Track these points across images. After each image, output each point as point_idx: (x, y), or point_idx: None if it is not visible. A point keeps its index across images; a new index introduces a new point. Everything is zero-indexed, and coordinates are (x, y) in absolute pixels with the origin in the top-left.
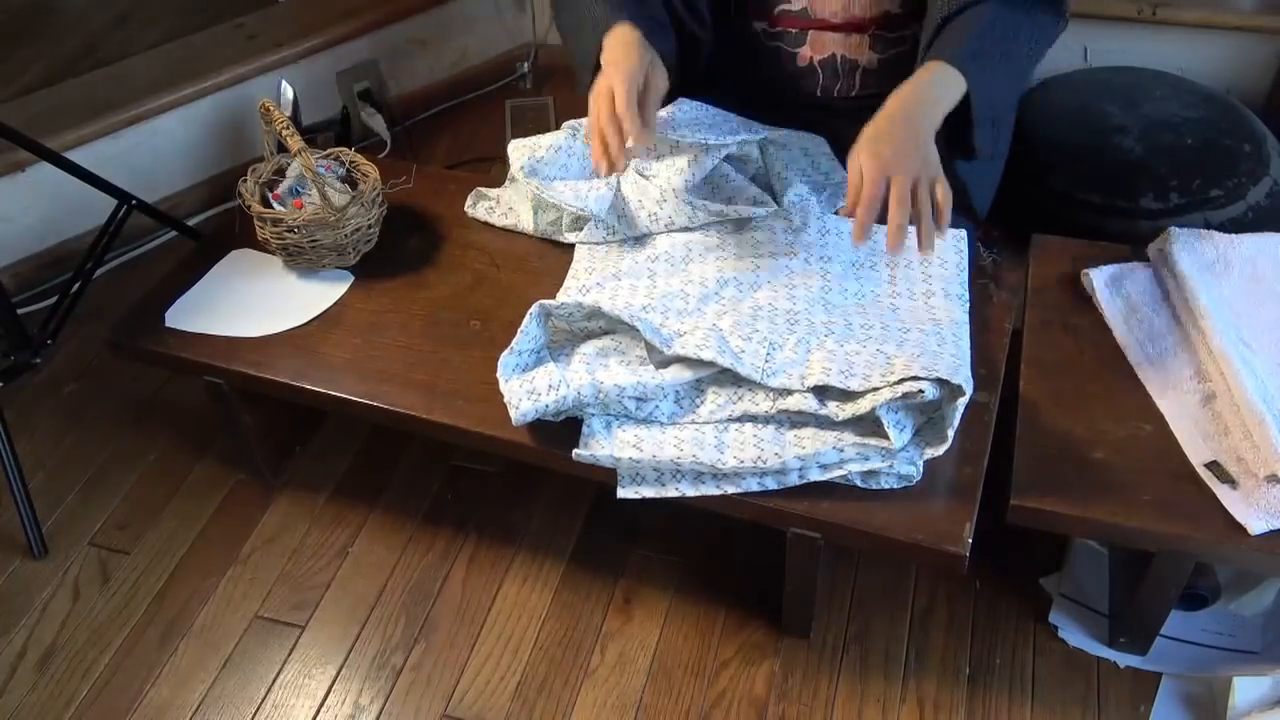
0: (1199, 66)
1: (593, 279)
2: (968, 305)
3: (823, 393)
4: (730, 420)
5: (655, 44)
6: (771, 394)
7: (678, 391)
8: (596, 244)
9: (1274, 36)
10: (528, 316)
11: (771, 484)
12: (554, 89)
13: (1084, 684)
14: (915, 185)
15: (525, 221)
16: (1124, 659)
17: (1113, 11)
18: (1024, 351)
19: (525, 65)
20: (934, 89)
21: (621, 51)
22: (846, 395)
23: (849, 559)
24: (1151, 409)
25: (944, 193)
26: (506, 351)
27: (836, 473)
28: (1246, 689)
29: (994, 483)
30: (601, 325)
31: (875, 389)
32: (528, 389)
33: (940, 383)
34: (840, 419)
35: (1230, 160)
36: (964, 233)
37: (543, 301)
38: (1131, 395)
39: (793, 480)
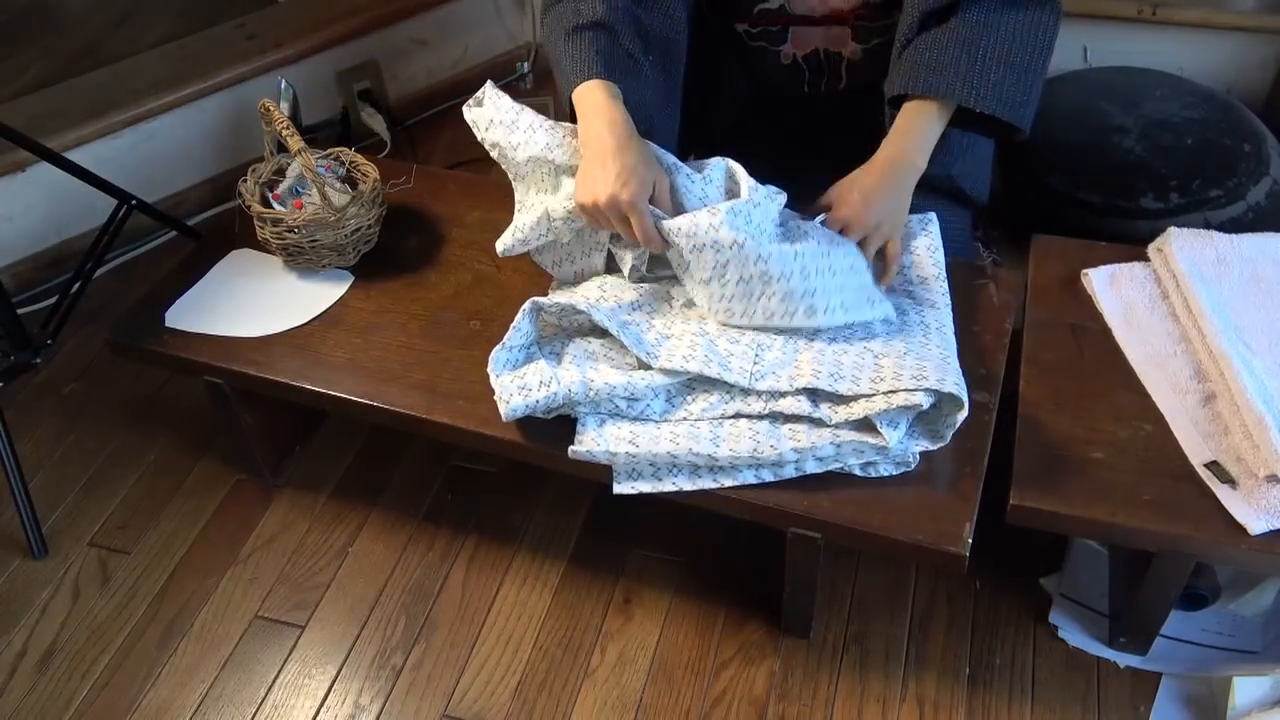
0: (1199, 66)
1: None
2: (946, 285)
3: (814, 395)
4: (724, 417)
5: (630, 90)
6: (764, 396)
7: (669, 390)
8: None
9: (1274, 36)
10: (520, 313)
11: (768, 476)
12: (554, 89)
13: (1084, 684)
14: (866, 240)
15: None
16: (1124, 659)
17: (1113, 11)
18: (1024, 351)
19: (525, 65)
20: (921, 133)
21: (621, 160)
22: (838, 398)
23: (849, 559)
24: (1151, 409)
25: (893, 252)
26: (499, 347)
27: (833, 465)
28: (1246, 689)
29: (994, 483)
30: (591, 321)
31: (868, 395)
32: (519, 384)
33: (934, 390)
34: (834, 422)
35: (1230, 160)
36: (932, 215)
37: (536, 299)
38: (1131, 395)
39: (789, 473)
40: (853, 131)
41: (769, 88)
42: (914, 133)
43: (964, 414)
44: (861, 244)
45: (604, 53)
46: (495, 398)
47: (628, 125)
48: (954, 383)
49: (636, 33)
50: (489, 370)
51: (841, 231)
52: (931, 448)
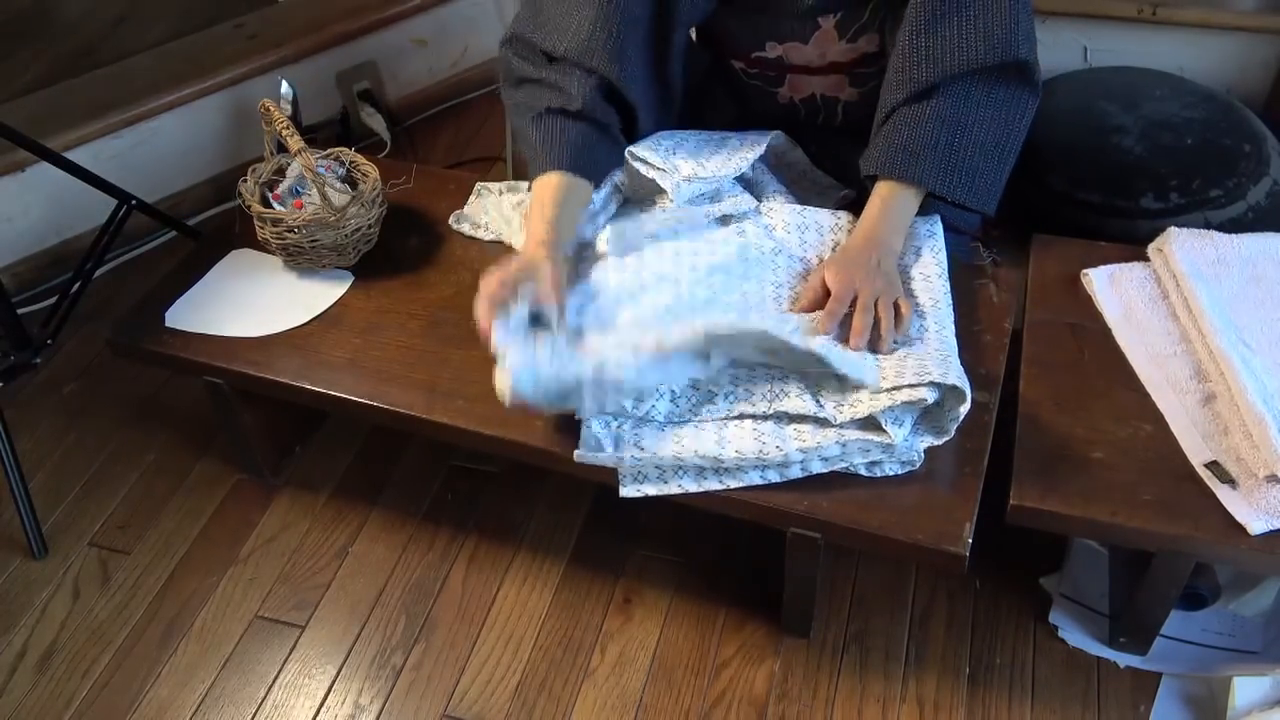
0: (1199, 66)
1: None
2: (948, 286)
3: (818, 391)
4: (729, 418)
5: (594, 172)
6: (768, 395)
7: (674, 390)
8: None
9: (1274, 36)
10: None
11: (774, 476)
12: None
13: (1084, 684)
14: (878, 300)
15: (511, 237)
16: (1124, 659)
17: (1113, 11)
18: (1024, 351)
19: None
20: (895, 215)
21: (518, 261)
22: (841, 394)
23: (849, 559)
24: (1151, 409)
25: (905, 307)
26: (499, 316)
27: (839, 465)
28: (1246, 689)
29: (994, 483)
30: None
31: (872, 392)
32: (524, 351)
33: (937, 385)
34: (840, 421)
35: (1230, 160)
36: (936, 216)
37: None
38: (1131, 395)
39: (794, 473)
40: (851, 151)
41: (763, 120)
42: (890, 214)
43: (966, 406)
44: (877, 311)
45: (573, 143)
46: (496, 369)
47: (554, 234)
48: (956, 375)
49: (610, 106)
50: (493, 339)
51: (827, 307)
52: (936, 442)
